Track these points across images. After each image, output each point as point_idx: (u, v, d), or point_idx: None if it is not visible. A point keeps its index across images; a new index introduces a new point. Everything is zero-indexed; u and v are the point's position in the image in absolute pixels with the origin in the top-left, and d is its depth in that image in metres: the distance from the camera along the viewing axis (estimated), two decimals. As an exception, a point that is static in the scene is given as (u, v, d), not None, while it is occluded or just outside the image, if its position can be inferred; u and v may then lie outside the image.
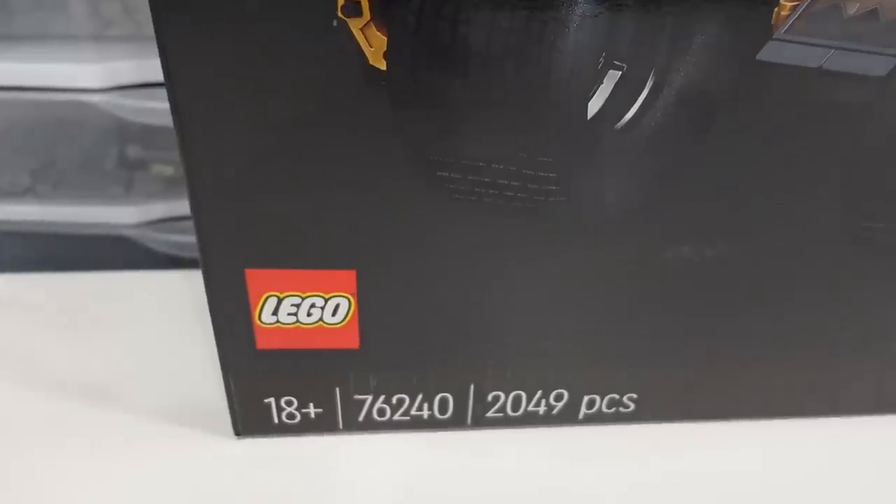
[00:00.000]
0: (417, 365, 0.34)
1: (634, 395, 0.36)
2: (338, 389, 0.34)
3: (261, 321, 0.32)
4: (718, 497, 0.35)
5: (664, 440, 0.37)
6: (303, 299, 0.31)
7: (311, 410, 0.35)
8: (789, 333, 0.34)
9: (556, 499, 0.35)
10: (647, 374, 0.35)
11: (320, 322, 0.32)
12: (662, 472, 0.36)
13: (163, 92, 0.26)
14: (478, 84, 0.26)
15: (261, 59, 0.25)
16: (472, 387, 0.35)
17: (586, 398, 0.36)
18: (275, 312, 0.32)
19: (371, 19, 0.25)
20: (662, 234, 0.31)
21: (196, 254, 0.30)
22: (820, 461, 0.36)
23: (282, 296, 0.31)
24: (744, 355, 0.35)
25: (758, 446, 0.37)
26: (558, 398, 0.36)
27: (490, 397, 0.35)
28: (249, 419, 0.35)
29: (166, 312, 0.42)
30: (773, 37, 0.26)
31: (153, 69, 0.38)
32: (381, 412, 0.36)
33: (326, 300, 0.31)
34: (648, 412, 0.37)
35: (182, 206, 0.45)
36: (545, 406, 0.36)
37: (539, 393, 0.35)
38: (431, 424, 0.36)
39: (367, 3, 0.25)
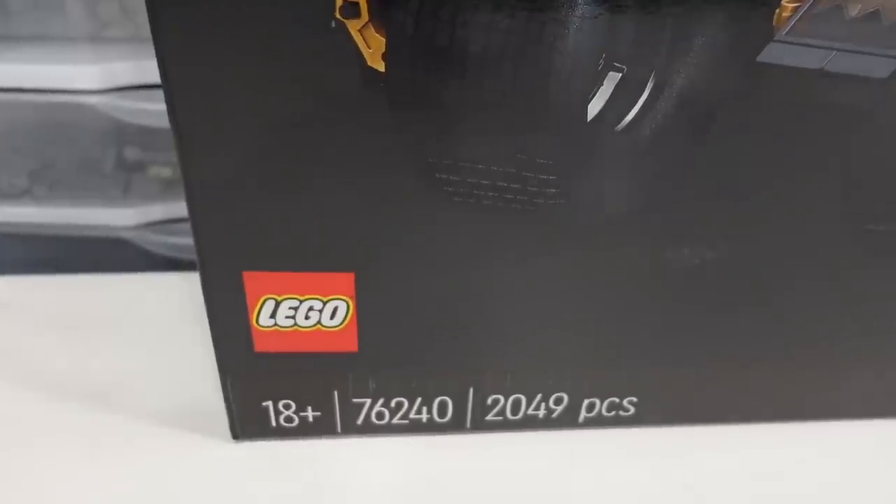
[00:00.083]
0: (416, 368, 0.34)
1: (634, 399, 0.36)
2: (336, 392, 0.34)
3: (258, 324, 0.32)
4: (719, 500, 0.35)
5: (664, 444, 0.37)
6: (301, 302, 0.31)
7: (310, 414, 0.35)
8: (789, 334, 0.34)
9: (556, 503, 0.35)
10: (647, 377, 0.35)
11: (318, 325, 0.32)
12: (662, 475, 0.36)
13: (161, 94, 0.26)
14: (477, 85, 0.26)
15: (258, 60, 0.25)
16: (471, 390, 0.35)
17: (586, 401, 0.36)
18: (272, 315, 0.31)
19: (369, 21, 0.25)
20: (663, 235, 0.31)
21: (194, 256, 0.30)
22: (822, 464, 0.36)
23: (280, 298, 0.31)
24: (744, 356, 0.35)
25: (758, 449, 0.37)
26: (558, 402, 0.36)
27: (489, 401, 0.35)
28: (247, 422, 0.35)
29: (164, 315, 0.42)
30: (775, 38, 0.26)
31: (151, 71, 0.38)
32: (380, 415, 0.35)
33: (325, 303, 0.31)
34: (648, 415, 0.37)
35: (180, 209, 0.45)
36: (545, 409, 0.36)
37: (539, 396, 0.35)
38: (430, 428, 0.36)
39: (365, 5, 0.25)
